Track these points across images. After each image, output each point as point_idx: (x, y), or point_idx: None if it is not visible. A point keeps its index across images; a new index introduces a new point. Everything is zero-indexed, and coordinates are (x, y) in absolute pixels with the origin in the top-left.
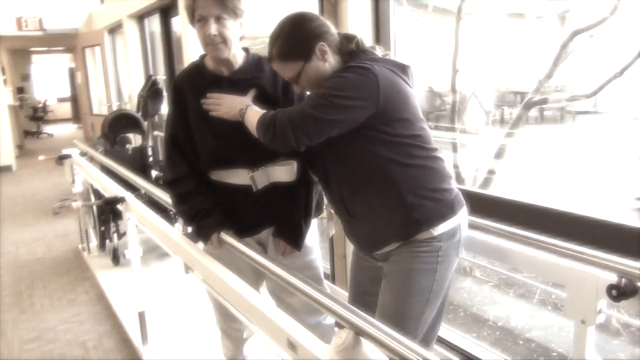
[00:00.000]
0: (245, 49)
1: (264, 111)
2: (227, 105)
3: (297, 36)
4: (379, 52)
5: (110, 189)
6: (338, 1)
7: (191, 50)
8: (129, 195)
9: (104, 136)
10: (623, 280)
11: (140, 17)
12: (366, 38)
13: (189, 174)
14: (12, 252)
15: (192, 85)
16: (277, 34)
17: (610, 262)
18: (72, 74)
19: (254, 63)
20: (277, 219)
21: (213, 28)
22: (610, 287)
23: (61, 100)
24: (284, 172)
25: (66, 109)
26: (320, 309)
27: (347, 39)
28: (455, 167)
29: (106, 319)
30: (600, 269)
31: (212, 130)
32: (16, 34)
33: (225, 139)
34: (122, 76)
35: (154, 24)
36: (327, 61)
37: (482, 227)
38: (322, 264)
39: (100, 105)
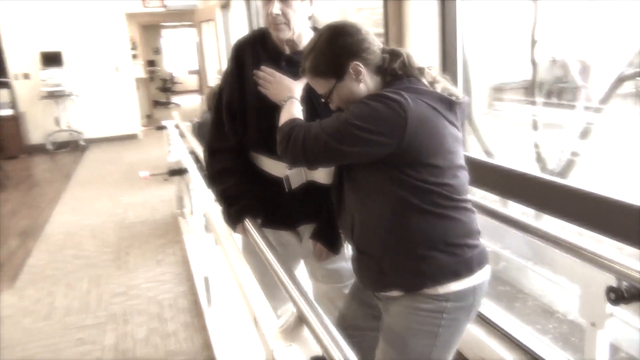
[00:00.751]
0: (315, 29)
1: (297, 116)
2: (276, 86)
3: (330, 52)
4: (429, 77)
5: (181, 160)
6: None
7: None
8: (191, 167)
9: (208, 108)
10: (624, 283)
11: None
12: (431, 38)
13: (231, 149)
14: (122, 214)
15: (252, 53)
16: (312, 46)
17: (609, 261)
18: (197, 47)
19: None
20: (314, 218)
21: (276, 7)
22: (609, 290)
23: (191, 72)
24: (322, 172)
25: (194, 81)
26: (283, 291)
27: (392, 56)
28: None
29: (185, 281)
30: (602, 269)
31: (265, 108)
32: (141, 11)
33: (269, 124)
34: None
35: None
36: (363, 82)
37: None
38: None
39: (215, 77)
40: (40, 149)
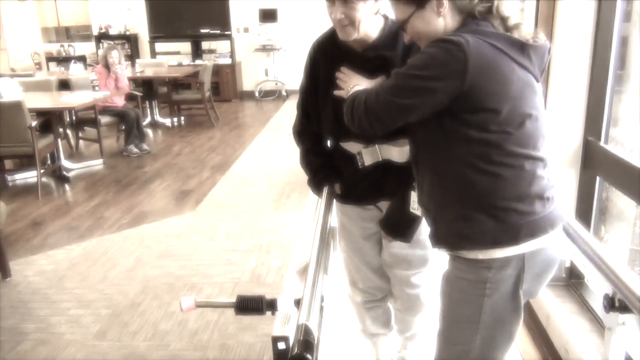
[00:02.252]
0: (385, 17)
1: (358, 89)
2: (348, 82)
3: None
4: (509, 22)
5: None
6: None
7: None
8: None
9: None
10: (618, 293)
11: None
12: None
13: (311, 133)
14: (295, 161)
15: (325, 53)
16: None
17: (607, 270)
18: None
19: (389, 37)
20: (390, 196)
21: (339, 11)
22: (604, 297)
23: None
24: (396, 152)
25: None
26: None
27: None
28: None
29: None
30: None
31: (334, 105)
32: None
33: (341, 115)
34: None
35: None
36: (443, 16)
37: None
38: (425, 266)
39: None
40: (249, 95)
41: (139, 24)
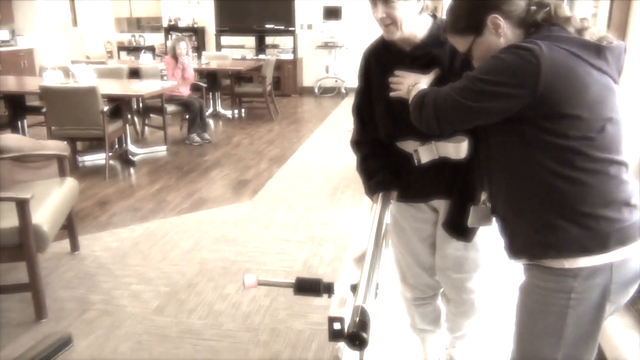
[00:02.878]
0: (434, 16)
1: (424, 88)
2: (404, 83)
3: (467, 7)
4: (576, 24)
5: None
6: None
7: None
8: None
9: None
10: None
11: None
12: None
13: (368, 139)
14: (350, 158)
15: (377, 59)
16: (451, 5)
17: None
18: None
19: (436, 35)
20: (447, 193)
21: (380, 11)
22: None
23: None
24: (452, 148)
25: None
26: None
27: (539, 6)
28: None
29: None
30: None
31: (388, 105)
32: None
33: (399, 117)
34: None
35: None
36: (503, 36)
37: None
38: (478, 271)
39: None
40: (309, 91)
41: (206, 17)
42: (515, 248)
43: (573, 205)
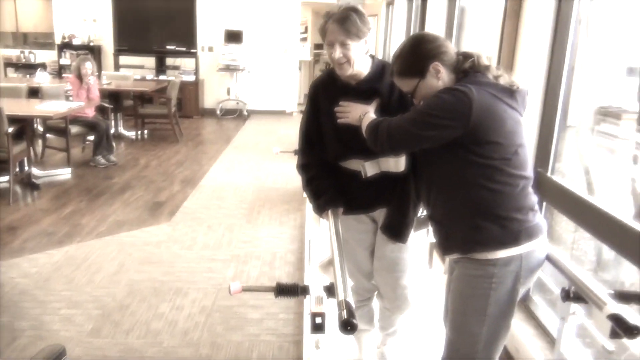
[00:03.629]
0: (372, 57)
1: (375, 117)
2: (353, 112)
3: (413, 56)
4: (494, 72)
5: None
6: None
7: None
8: None
9: None
10: (573, 287)
11: None
12: (545, 15)
13: (315, 162)
14: (263, 179)
15: (325, 91)
16: (399, 52)
17: (564, 268)
18: None
19: (377, 72)
20: (388, 202)
21: (338, 52)
22: (562, 290)
23: None
24: (393, 162)
25: None
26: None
27: (465, 57)
28: None
29: (297, 242)
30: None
31: (336, 131)
32: (316, 0)
33: (345, 139)
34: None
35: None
36: (441, 79)
37: None
38: (409, 269)
39: None
40: (211, 113)
41: (103, 35)
42: (449, 245)
43: (494, 210)
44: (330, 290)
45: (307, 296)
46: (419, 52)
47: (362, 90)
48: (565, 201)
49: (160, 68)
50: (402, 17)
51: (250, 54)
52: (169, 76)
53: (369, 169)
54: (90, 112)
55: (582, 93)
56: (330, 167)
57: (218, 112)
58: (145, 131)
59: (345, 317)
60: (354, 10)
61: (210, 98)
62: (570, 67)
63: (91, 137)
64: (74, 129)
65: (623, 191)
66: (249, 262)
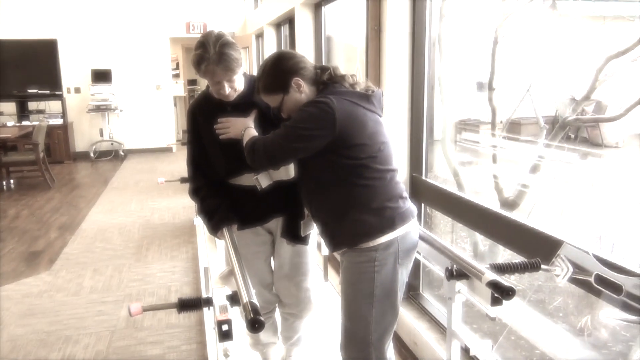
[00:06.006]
0: (244, 74)
1: (255, 135)
2: (233, 127)
3: (275, 73)
4: (350, 81)
5: None
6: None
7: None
8: None
9: None
10: (455, 266)
11: (278, 25)
12: (403, 37)
13: (204, 183)
14: (148, 216)
15: (202, 112)
16: (261, 71)
17: (446, 251)
18: None
19: (251, 86)
20: (284, 211)
21: (227, 88)
22: (445, 270)
23: None
24: (283, 171)
25: None
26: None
27: (322, 70)
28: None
29: (192, 273)
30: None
31: (221, 148)
32: (185, 36)
33: (232, 155)
34: None
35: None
36: (303, 92)
37: None
38: (311, 272)
39: None
40: (84, 156)
41: None
42: (336, 242)
43: (369, 203)
44: (234, 298)
45: (211, 307)
46: (279, 69)
47: (238, 104)
48: (439, 199)
49: (23, 113)
50: (272, 47)
51: (121, 92)
52: (33, 121)
53: (262, 180)
54: None
55: (444, 109)
56: (220, 186)
57: (92, 154)
58: (12, 180)
59: (252, 316)
60: (225, 44)
61: (82, 141)
62: (430, 82)
63: None
64: None
65: (487, 187)
66: (143, 299)
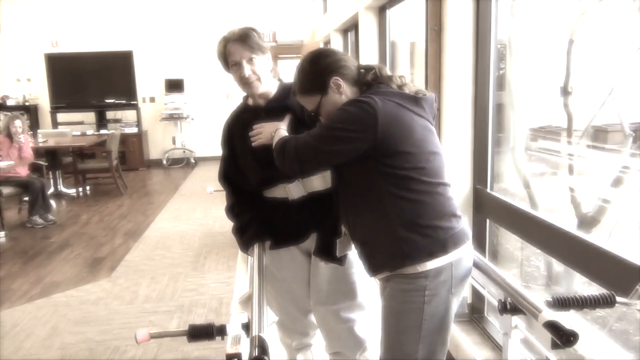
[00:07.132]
0: (279, 80)
1: (286, 135)
2: (265, 132)
3: (313, 72)
4: (398, 82)
5: None
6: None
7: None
8: None
9: None
10: (509, 298)
11: (345, 31)
12: (466, 39)
13: (239, 201)
14: (210, 225)
15: (237, 124)
16: (298, 71)
17: (500, 280)
18: None
19: (286, 90)
20: (317, 227)
21: (247, 69)
22: (499, 302)
23: None
24: (317, 180)
25: None
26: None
27: (366, 70)
28: None
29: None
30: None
31: (257, 160)
32: None
33: (265, 163)
34: None
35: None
36: (343, 93)
37: None
38: (360, 279)
39: None
40: (157, 164)
41: (39, 93)
42: (376, 265)
43: (415, 219)
44: (249, 328)
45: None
46: (317, 67)
47: (272, 108)
48: (506, 214)
49: (101, 122)
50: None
51: (193, 101)
52: (110, 130)
53: (293, 190)
54: (23, 172)
55: (514, 115)
56: (254, 201)
57: (165, 162)
58: (88, 187)
59: (257, 354)
60: (251, 28)
61: (156, 149)
62: (497, 85)
63: (27, 198)
64: (6, 190)
65: (563, 201)
66: (193, 310)
